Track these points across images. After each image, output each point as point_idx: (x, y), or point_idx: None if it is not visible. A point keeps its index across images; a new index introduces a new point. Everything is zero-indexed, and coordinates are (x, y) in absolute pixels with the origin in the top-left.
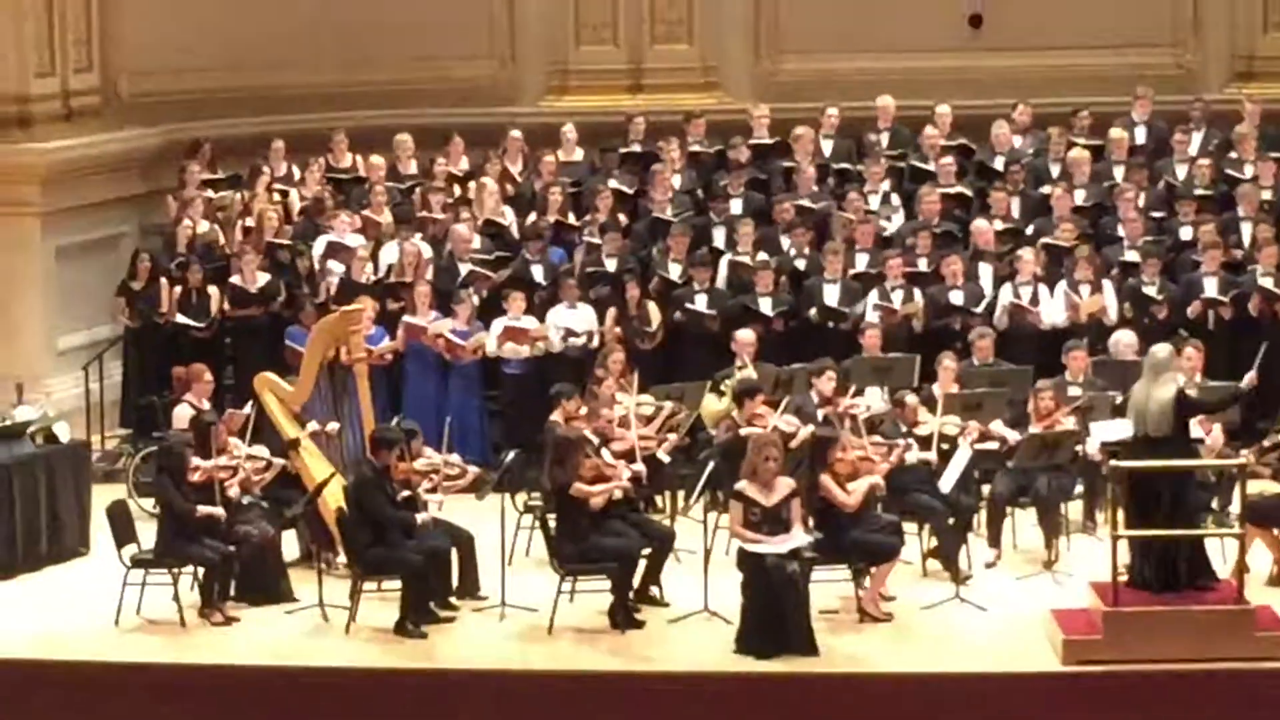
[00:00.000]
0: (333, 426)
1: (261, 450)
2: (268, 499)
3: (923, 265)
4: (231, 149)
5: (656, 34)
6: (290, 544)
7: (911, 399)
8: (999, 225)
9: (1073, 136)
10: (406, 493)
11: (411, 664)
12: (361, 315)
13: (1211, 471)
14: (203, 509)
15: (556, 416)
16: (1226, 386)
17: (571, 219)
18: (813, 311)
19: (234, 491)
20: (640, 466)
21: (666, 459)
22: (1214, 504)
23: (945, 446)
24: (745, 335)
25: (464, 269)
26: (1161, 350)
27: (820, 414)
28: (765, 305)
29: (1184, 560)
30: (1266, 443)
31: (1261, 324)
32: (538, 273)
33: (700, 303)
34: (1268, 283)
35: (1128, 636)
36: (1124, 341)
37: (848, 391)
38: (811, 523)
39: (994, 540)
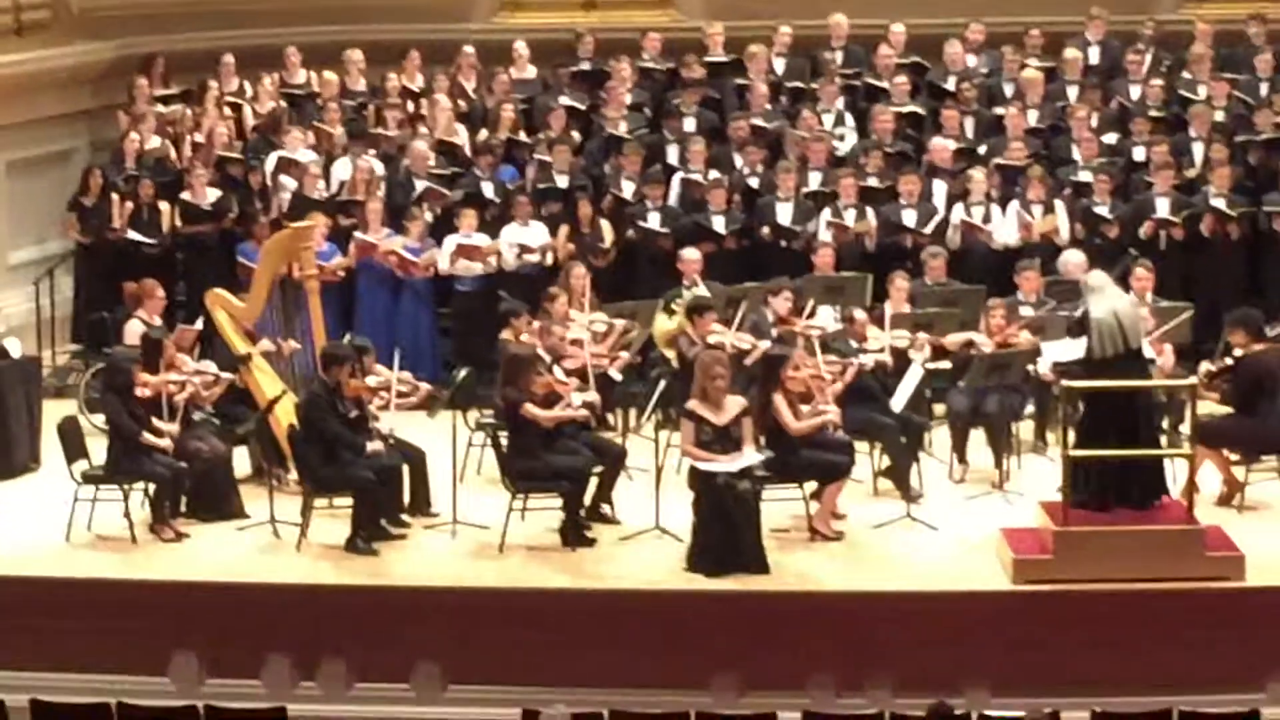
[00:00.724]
0: (292, 345)
1: (209, 365)
2: (219, 415)
3: (873, 182)
4: (183, 64)
5: None
6: (241, 460)
7: (861, 315)
8: (952, 145)
9: (1025, 56)
10: (357, 411)
11: (363, 581)
12: (313, 232)
13: (1163, 391)
14: (147, 436)
15: (507, 335)
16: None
17: (523, 136)
18: (765, 230)
19: (180, 403)
20: (595, 396)
21: (619, 377)
22: (1165, 424)
23: (898, 365)
24: (691, 254)
25: (419, 186)
26: (1097, 275)
27: (774, 332)
28: (718, 223)
29: (1143, 475)
30: (1213, 366)
31: (1213, 244)
32: (488, 189)
33: (653, 220)
34: (1220, 203)
35: (1077, 556)
36: (1072, 261)
37: (804, 311)
38: (763, 441)
39: (961, 456)
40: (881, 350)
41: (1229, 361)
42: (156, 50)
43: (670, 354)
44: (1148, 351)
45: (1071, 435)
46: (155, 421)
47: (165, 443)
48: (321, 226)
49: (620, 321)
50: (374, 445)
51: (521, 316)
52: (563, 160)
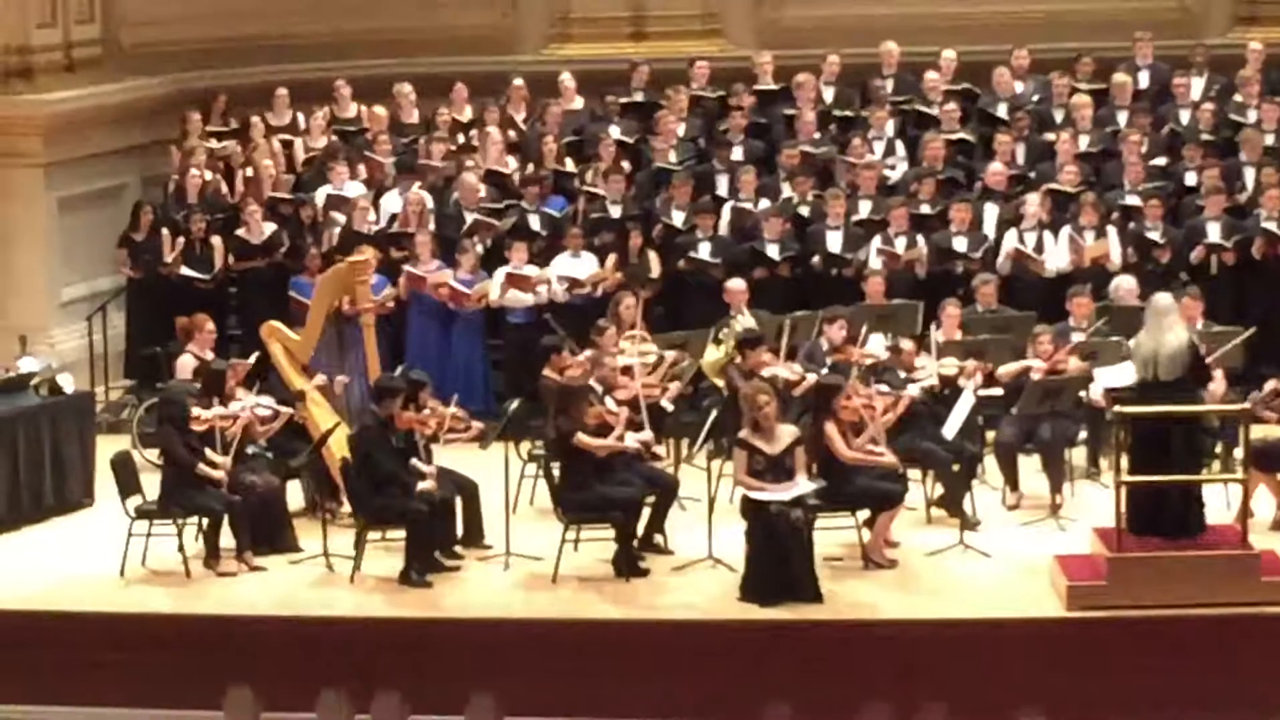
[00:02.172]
0: (341, 380)
1: (269, 400)
2: (272, 449)
3: (926, 210)
4: (234, 99)
5: None
6: (295, 494)
7: (908, 345)
8: (1005, 170)
9: (1075, 81)
10: (409, 444)
11: (416, 613)
12: (368, 265)
13: (1215, 416)
14: (202, 467)
15: (548, 371)
16: (1229, 332)
17: (570, 166)
18: (816, 258)
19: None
20: (649, 435)
21: (670, 407)
22: (1218, 449)
23: (947, 392)
24: (736, 284)
25: (469, 218)
26: (1163, 298)
27: (829, 361)
28: (773, 250)
29: (1181, 507)
30: (1269, 388)
31: (1265, 268)
32: (534, 222)
33: (704, 250)
34: (1271, 226)
35: (1131, 582)
36: (1124, 287)
37: (859, 339)
38: (815, 470)
39: (1012, 484)
40: (930, 378)
41: None
42: (207, 86)
43: (720, 384)
44: None
45: (1124, 461)
46: (209, 453)
47: (219, 474)
48: (373, 260)
49: (670, 353)
50: (425, 485)
51: (563, 352)
52: (616, 190)
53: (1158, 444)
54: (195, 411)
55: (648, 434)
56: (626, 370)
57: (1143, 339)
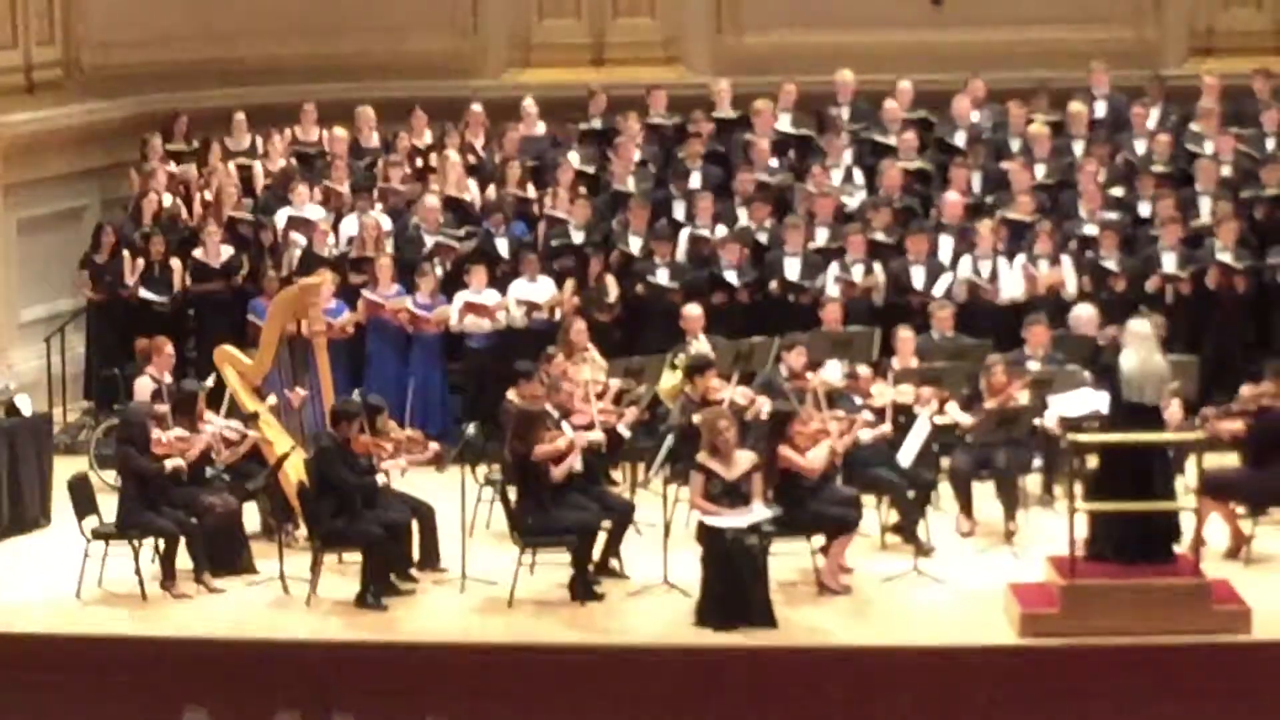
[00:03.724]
0: (300, 392)
1: (236, 424)
2: (229, 472)
3: (881, 237)
4: (194, 121)
5: (618, 7)
6: (251, 517)
7: (865, 371)
8: (960, 200)
9: (1031, 111)
10: (368, 464)
11: (372, 636)
12: (320, 288)
13: (1169, 445)
14: (168, 461)
15: (512, 395)
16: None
17: (531, 191)
18: (773, 284)
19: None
20: (599, 435)
21: (627, 433)
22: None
23: (902, 419)
24: (692, 311)
25: (429, 241)
26: (1140, 323)
27: (788, 387)
28: (731, 277)
29: (1162, 530)
30: (1234, 406)
31: (1220, 298)
32: (502, 246)
33: (661, 276)
34: (1226, 257)
35: (1084, 610)
36: (1084, 316)
37: (818, 367)
38: (770, 495)
39: (967, 511)
40: (884, 411)
41: (1252, 405)
42: (168, 108)
43: (674, 408)
44: None
45: (1079, 489)
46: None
47: (181, 463)
48: (329, 283)
49: (616, 381)
50: (381, 479)
51: (532, 379)
52: (581, 215)
53: (1137, 470)
54: (155, 434)
55: (599, 434)
56: (584, 395)
57: (1127, 362)
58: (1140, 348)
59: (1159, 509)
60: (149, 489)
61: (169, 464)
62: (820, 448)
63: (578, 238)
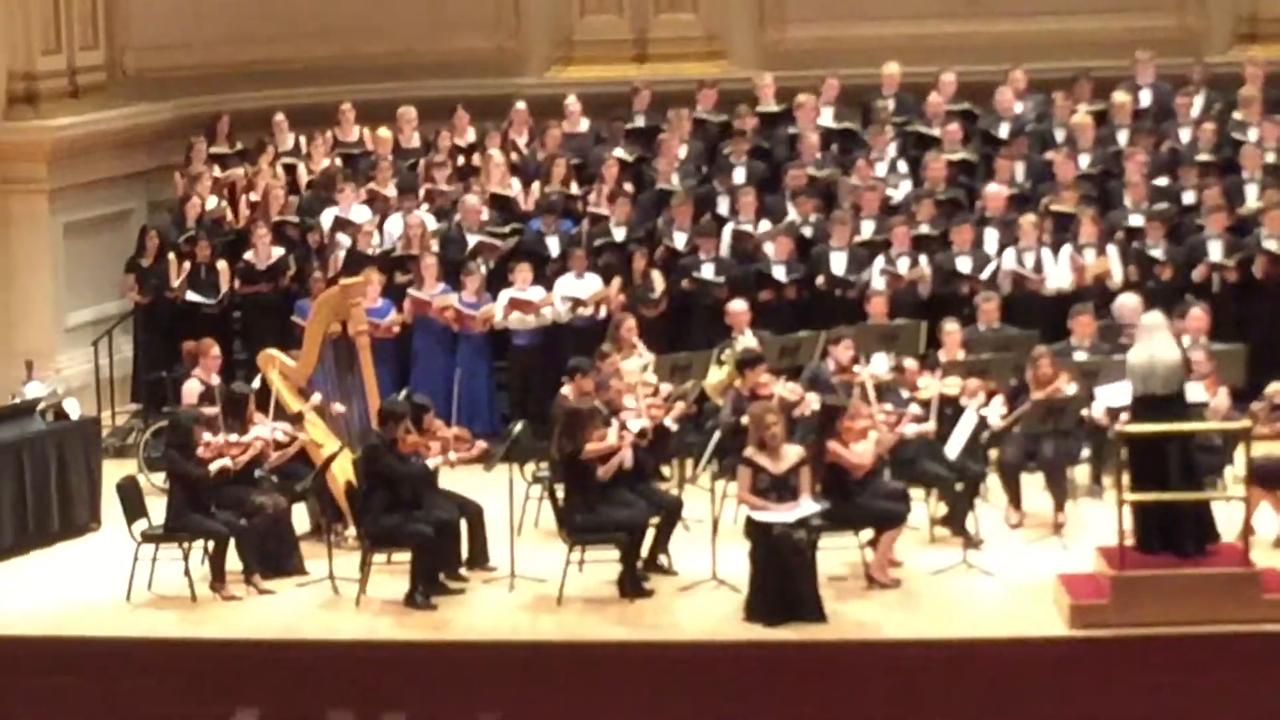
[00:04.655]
0: (337, 407)
1: (285, 427)
2: (276, 472)
3: (926, 229)
4: (238, 123)
5: (660, 3)
6: (300, 517)
7: (912, 364)
8: (1005, 191)
9: (1075, 102)
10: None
11: (421, 636)
12: (363, 288)
13: (1216, 434)
14: (214, 463)
15: (567, 390)
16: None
17: (575, 189)
18: (820, 278)
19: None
20: (645, 422)
21: (674, 427)
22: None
23: (949, 411)
24: (738, 306)
25: (472, 240)
26: (1154, 315)
27: (835, 381)
28: (779, 272)
29: (1191, 522)
30: (1276, 399)
31: (1266, 286)
32: (552, 244)
33: (707, 271)
34: (1272, 246)
35: (1134, 601)
36: (1128, 305)
37: (864, 361)
38: (818, 490)
39: (1015, 503)
40: (929, 404)
41: None
42: (212, 110)
43: (722, 404)
44: (1200, 395)
45: (1126, 479)
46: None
47: (228, 462)
48: (375, 283)
49: (667, 385)
50: (433, 463)
51: (587, 374)
52: (620, 213)
53: (1154, 461)
54: (205, 437)
55: (645, 421)
56: (631, 392)
57: (1136, 354)
58: (1151, 340)
59: (1198, 500)
60: (197, 491)
61: (214, 467)
62: (867, 442)
63: (619, 234)
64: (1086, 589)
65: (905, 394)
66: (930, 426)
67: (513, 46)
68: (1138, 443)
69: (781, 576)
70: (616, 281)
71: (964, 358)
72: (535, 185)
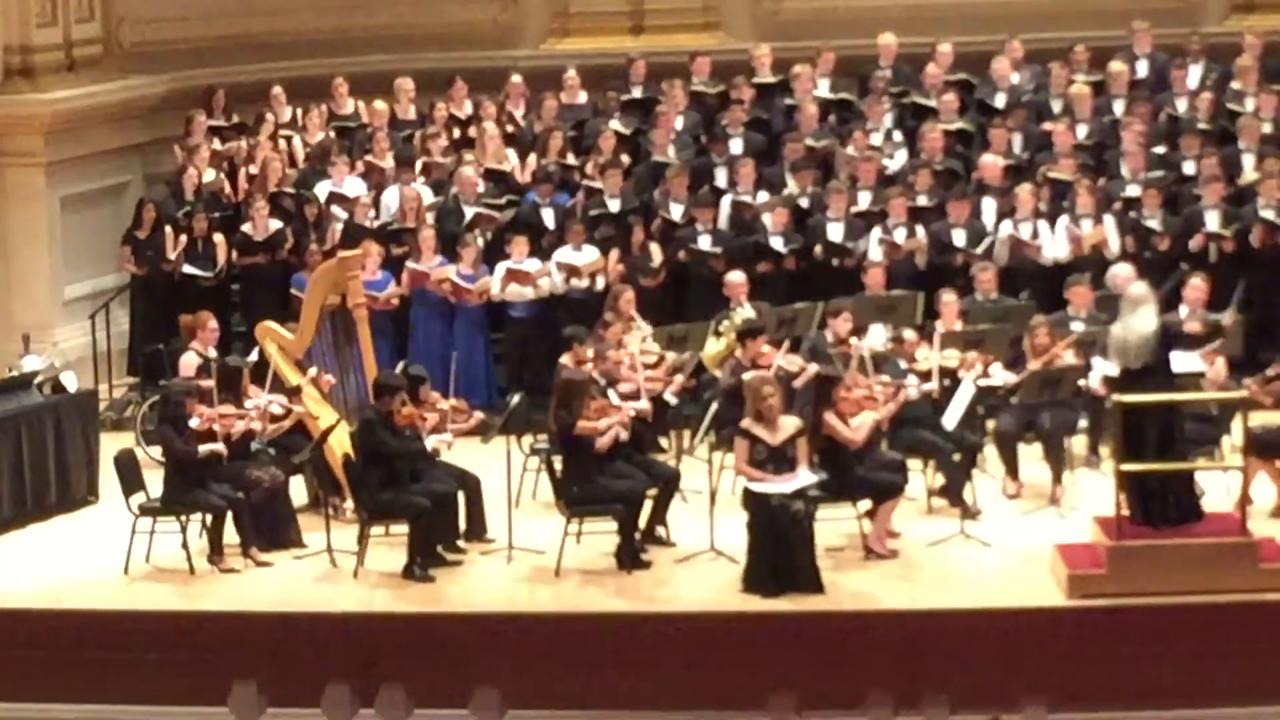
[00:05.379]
0: (328, 380)
1: (280, 398)
2: (274, 445)
3: (923, 201)
4: (234, 96)
5: None
6: (297, 490)
7: (910, 335)
8: (1001, 162)
9: (1072, 72)
10: (412, 436)
11: (420, 608)
12: (360, 260)
13: (1213, 405)
14: (204, 447)
15: (566, 360)
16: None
17: (571, 159)
18: (817, 249)
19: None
20: (645, 404)
21: (673, 400)
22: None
23: (947, 382)
24: (736, 277)
25: (469, 212)
26: (1139, 287)
27: (834, 353)
28: (777, 243)
29: (1173, 495)
30: (1270, 372)
31: (1264, 256)
32: (548, 216)
33: (704, 243)
34: (1269, 215)
35: (1132, 570)
36: (1121, 275)
37: (862, 332)
38: (816, 461)
39: (1013, 473)
40: (929, 375)
41: None
42: (208, 83)
43: (721, 376)
44: (1194, 365)
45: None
46: (203, 446)
47: (220, 447)
48: (373, 255)
49: (671, 355)
50: (432, 442)
51: (584, 342)
52: (614, 185)
53: (1135, 434)
54: (200, 410)
55: (644, 404)
56: (629, 363)
57: (1115, 328)
58: (1134, 313)
59: (1194, 470)
60: (193, 465)
61: (204, 449)
62: (864, 417)
63: (613, 206)
64: (1084, 559)
65: (903, 364)
66: (933, 386)
67: (509, 18)
68: (1121, 415)
69: (779, 547)
70: (614, 253)
71: (961, 329)
72: (532, 157)
